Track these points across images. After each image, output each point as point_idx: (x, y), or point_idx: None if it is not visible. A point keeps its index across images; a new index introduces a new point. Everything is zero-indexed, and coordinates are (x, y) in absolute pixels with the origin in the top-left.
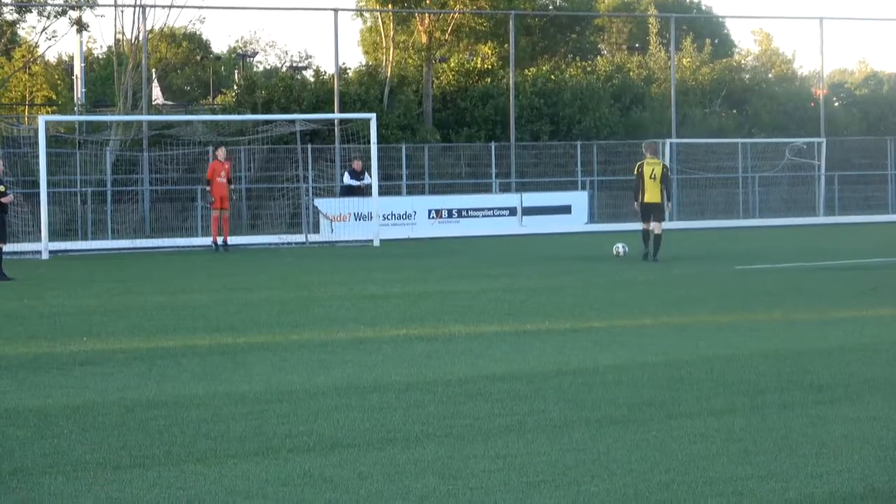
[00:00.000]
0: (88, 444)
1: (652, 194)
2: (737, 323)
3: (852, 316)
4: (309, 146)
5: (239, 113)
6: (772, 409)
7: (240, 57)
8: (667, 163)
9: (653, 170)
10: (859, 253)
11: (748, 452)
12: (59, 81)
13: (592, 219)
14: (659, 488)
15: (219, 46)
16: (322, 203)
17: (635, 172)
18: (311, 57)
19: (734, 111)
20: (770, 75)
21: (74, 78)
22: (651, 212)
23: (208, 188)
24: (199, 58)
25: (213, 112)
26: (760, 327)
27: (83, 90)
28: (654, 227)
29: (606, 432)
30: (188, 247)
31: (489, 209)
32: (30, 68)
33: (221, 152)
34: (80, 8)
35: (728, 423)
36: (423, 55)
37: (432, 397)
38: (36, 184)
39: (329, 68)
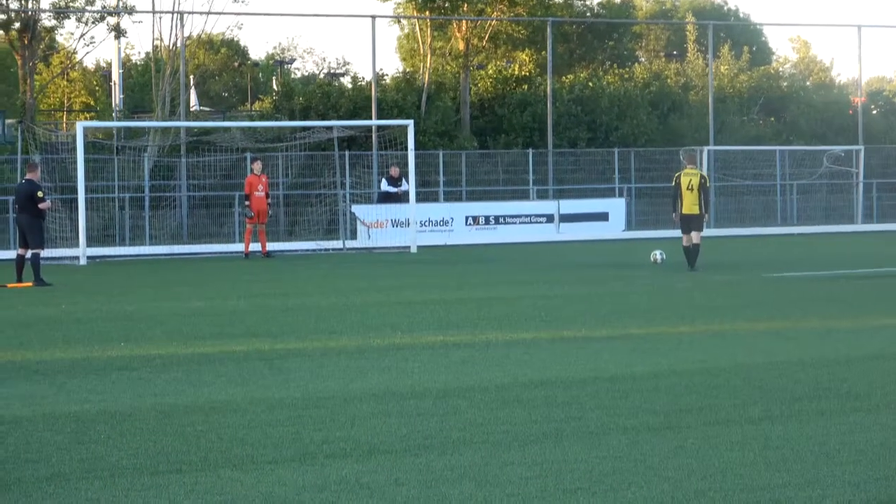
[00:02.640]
0: (125, 450)
1: (690, 206)
2: (774, 330)
3: (890, 324)
4: (346, 153)
5: (276, 119)
6: (809, 416)
7: (277, 63)
8: (705, 171)
9: (690, 180)
10: None
11: (785, 460)
12: (97, 87)
13: (630, 226)
14: (696, 496)
15: (256, 53)
16: (359, 209)
17: (673, 183)
18: (348, 63)
19: (772, 119)
20: (808, 83)
21: (112, 84)
22: (690, 223)
23: (247, 202)
24: (236, 64)
25: (251, 118)
26: (798, 335)
27: (121, 96)
28: (693, 236)
29: (643, 439)
30: (225, 253)
31: (526, 216)
32: (68, 74)
33: (257, 166)
34: (118, 14)
35: (765, 431)
36: (461, 62)
37: (469, 404)
38: (74, 189)
39: (367, 75)
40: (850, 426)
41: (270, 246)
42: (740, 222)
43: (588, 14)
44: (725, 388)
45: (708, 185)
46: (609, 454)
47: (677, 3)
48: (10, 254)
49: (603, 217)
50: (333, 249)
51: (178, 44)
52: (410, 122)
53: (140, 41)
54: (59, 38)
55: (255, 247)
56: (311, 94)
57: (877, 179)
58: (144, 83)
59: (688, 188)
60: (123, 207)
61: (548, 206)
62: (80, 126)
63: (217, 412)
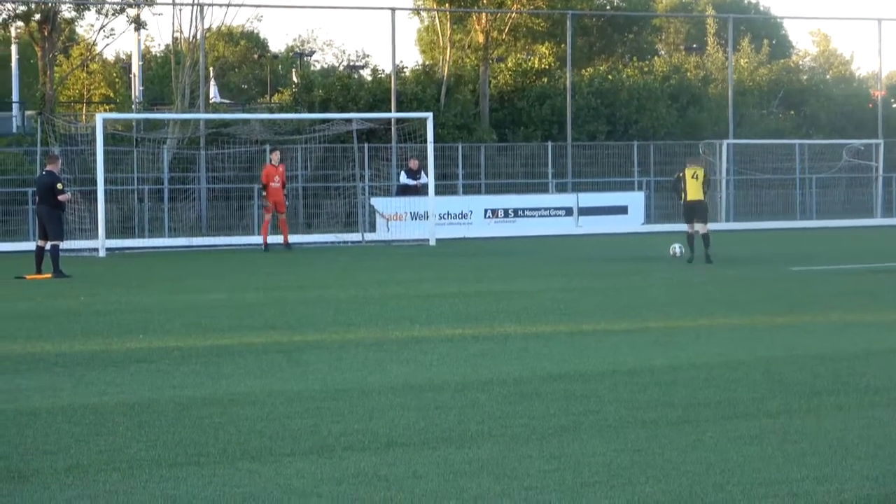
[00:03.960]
0: (144, 442)
1: (695, 192)
2: (793, 324)
3: None
4: (366, 145)
5: (296, 112)
6: (828, 410)
7: (297, 56)
8: (724, 165)
9: (695, 171)
10: None
11: (804, 454)
12: (116, 79)
13: (649, 219)
14: (714, 489)
15: (276, 45)
16: (378, 202)
17: (675, 178)
18: (368, 56)
19: (791, 112)
20: (828, 76)
21: (132, 76)
22: (695, 212)
23: (264, 192)
24: (256, 56)
25: (270, 111)
26: (817, 329)
27: (141, 88)
28: (699, 227)
29: (661, 433)
30: (245, 245)
31: (545, 209)
32: (88, 66)
33: (276, 156)
34: (138, 6)
35: (784, 425)
36: (480, 55)
37: (487, 397)
38: (93, 181)
39: (386, 67)
40: (868, 420)
41: (289, 238)
42: (759, 216)
43: (608, 7)
44: (744, 381)
45: (710, 179)
46: (627, 448)
47: None
48: (30, 245)
49: (622, 210)
50: (352, 242)
51: (198, 36)
52: (430, 115)
53: (160, 33)
54: (78, 30)
55: (273, 239)
56: (331, 87)
57: None
58: (164, 75)
59: (693, 177)
60: (143, 199)
61: (567, 200)
62: (99, 118)
63: (235, 404)
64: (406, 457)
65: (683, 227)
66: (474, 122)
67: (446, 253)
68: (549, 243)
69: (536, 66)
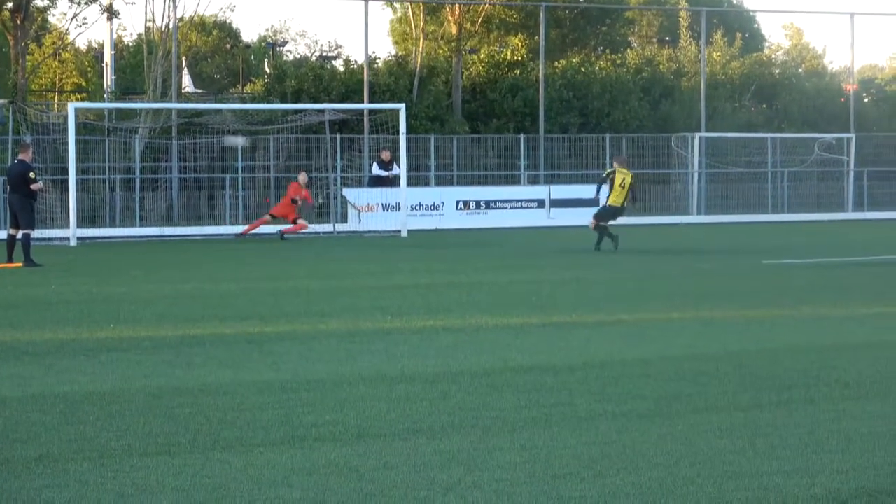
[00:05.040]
0: (114, 431)
1: (618, 199)
2: (764, 318)
3: (880, 312)
4: (338, 136)
5: (268, 102)
6: (798, 404)
7: (270, 46)
8: (696, 159)
9: (624, 178)
10: (888, 249)
11: (774, 447)
12: (88, 69)
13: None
14: (684, 482)
15: (249, 35)
16: (350, 193)
17: (605, 174)
18: (340, 47)
19: (764, 106)
20: (800, 70)
21: (104, 65)
22: (614, 215)
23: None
24: (228, 46)
25: (243, 101)
26: (788, 322)
27: (113, 77)
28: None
29: (632, 426)
30: (216, 235)
31: (517, 201)
32: (60, 55)
33: (303, 177)
34: None
35: (754, 418)
36: (453, 46)
37: (458, 388)
38: (65, 170)
39: (359, 58)
40: (839, 414)
41: (261, 229)
42: (731, 209)
43: None
44: (715, 375)
45: (636, 188)
46: (598, 440)
47: None
48: (1, 234)
49: (594, 203)
50: (324, 233)
51: (171, 25)
52: (402, 106)
53: (132, 22)
54: (51, 19)
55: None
56: (303, 77)
57: (868, 168)
58: (136, 65)
59: (620, 185)
60: (114, 188)
61: (539, 191)
62: (71, 107)
63: (206, 394)
64: (377, 448)
65: (654, 219)
66: (447, 114)
67: (418, 244)
68: (521, 235)
69: (509, 57)
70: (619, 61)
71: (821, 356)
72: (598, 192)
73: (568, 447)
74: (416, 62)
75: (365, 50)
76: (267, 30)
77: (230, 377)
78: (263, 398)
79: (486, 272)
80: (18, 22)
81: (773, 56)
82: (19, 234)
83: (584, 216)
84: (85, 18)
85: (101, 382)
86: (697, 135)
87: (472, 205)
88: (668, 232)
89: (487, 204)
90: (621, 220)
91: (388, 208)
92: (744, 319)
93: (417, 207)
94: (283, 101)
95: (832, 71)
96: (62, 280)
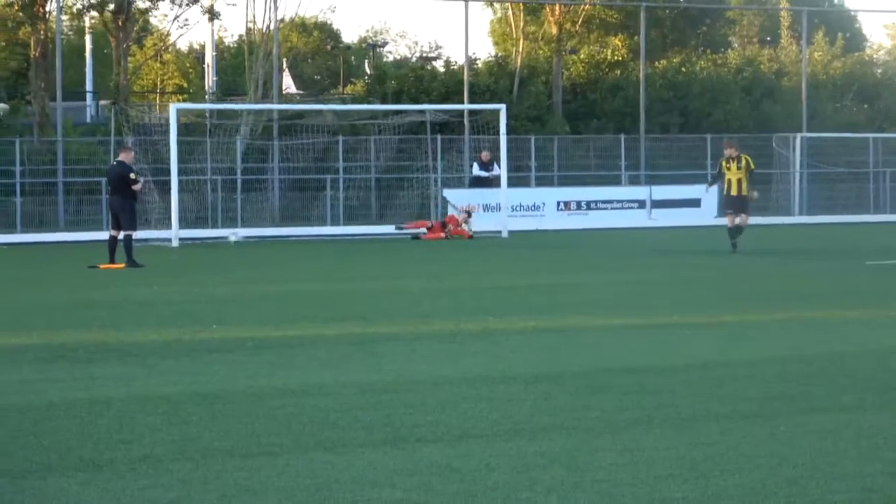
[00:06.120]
0: (217, 432)
1: (732, 189)
2: (867, 318)
3: None
4: (438, 137)
5: (369, 103)
6: None
7: (370, 47)
8: (798, 159)
9: (729, 167)
10: None
11: (877, 449)
12: (190, 70)
13: (722, 212)
14: (787, 484)
15: (349, 36)
16: (451, 194)
17: (717, 170)
18: (441, 47)
19: (865, 106)
20: None
21: (205, 66)
22: (735, 205)
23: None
24: (329, 47)
25: (343, 102)
26: (892, 323)
27: (214, 79)
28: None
29: (735, 427)
30: (317, 236)
31: (618, 202)
32: (161, 57)
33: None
34: None
35: (857, 420)
36: (553, 46)
37: (560, 389)
38: (167, 171)
39: (459, 59)
40: None
41: (361, 229)
42: (833, 210)
43: None
44: (818, 375)
45: (753, 167)
46: (701, 441)
47: None
48: (103, 235)
49: (695, 203)
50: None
51: (272, 26)
52: (503, 107)
53: (233, 24)
54: (152, 21)
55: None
56: (404, 78)
57: None
58: (237, 66)
59: (728, 173)
60: (216, 189)
61: (639, 192)
62: (173, 108)
63: (309, 395)
64: (479, 448)
65: (758, 219)
66: (547, 114)
67: (519, 245)
68: (622, 236)
69: (609, 58)
70: (719, 61)
71: None
72: (725, 186)
73: (670, 448)
74: (517, 63)
75: (465, 50)
76: (367, 31)
77: (332, 378)
78: (365, 399)
79: (587, 273)
80: (120, 24)
81: (875, 56)
82: (121, 236)
83: (685, 217)
84: (186, 20)
85: (204, 383)
86: (799, 135)
87: (573, 205)
88: (769, 232)
89: (588, 205)
90: (722, 221)
91: (489, 209)
92: (847, 320)
93: (518, 208)
94: (384, 101)
95: None
96: (164, 281)
